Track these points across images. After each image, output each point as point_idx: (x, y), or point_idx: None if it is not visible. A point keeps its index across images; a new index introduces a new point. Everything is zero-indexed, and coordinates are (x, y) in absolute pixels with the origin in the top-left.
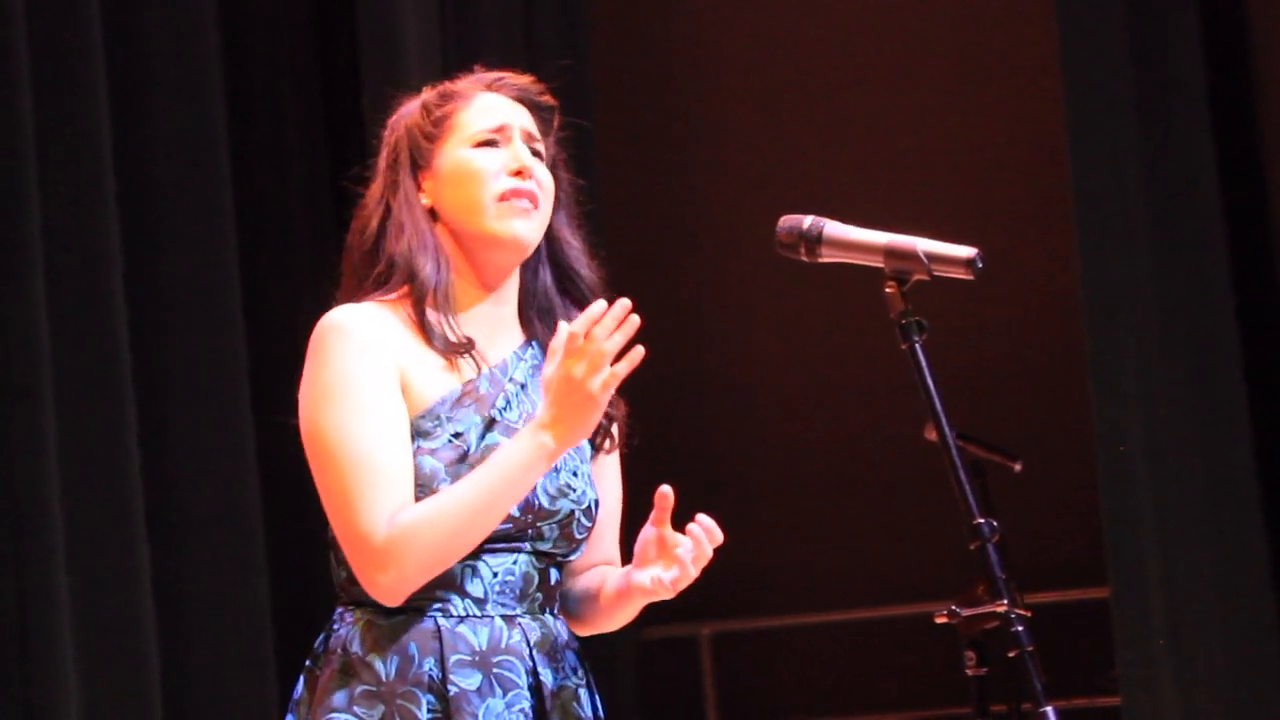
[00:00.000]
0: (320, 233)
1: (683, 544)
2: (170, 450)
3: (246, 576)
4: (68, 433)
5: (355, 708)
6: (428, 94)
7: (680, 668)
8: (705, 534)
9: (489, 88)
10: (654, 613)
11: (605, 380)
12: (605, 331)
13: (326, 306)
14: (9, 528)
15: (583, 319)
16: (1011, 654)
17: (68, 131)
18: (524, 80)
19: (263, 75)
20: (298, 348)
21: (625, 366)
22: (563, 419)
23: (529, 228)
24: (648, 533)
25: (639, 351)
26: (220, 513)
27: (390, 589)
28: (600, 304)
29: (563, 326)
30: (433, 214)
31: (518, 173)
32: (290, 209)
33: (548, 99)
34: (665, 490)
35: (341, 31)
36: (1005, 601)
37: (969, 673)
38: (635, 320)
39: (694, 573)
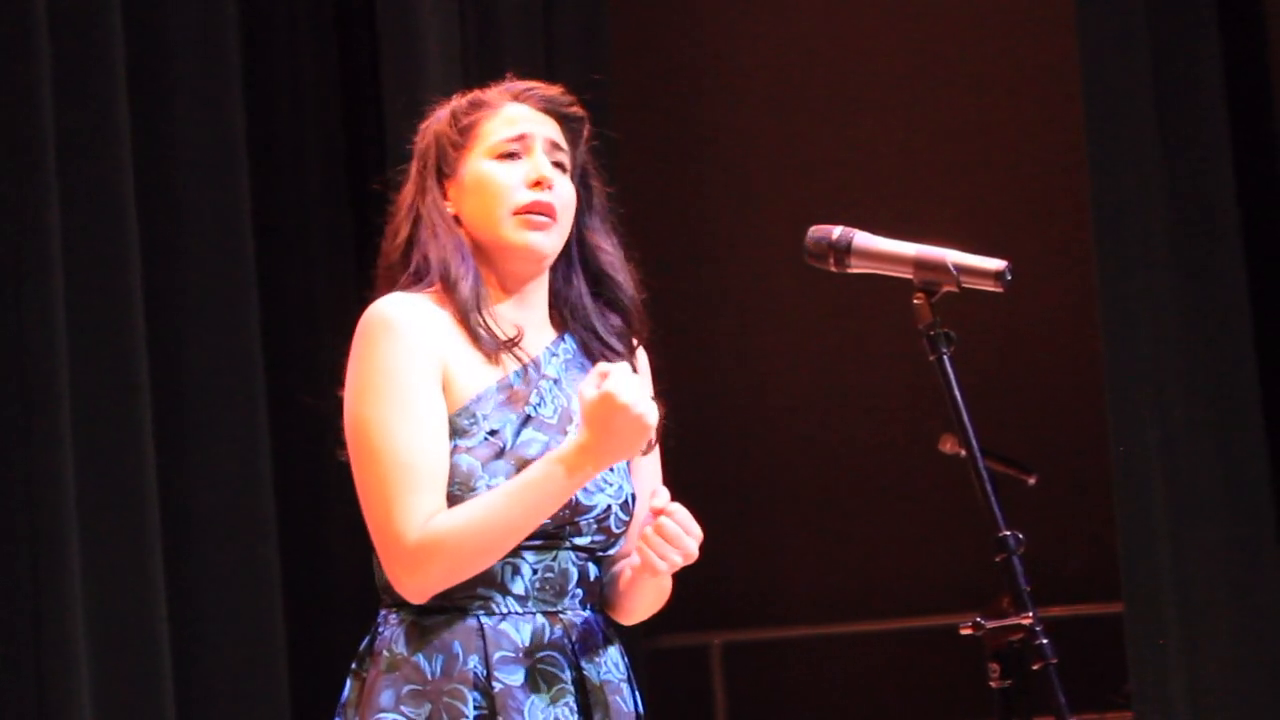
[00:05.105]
0: (339, 238)
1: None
2: (186, 455)
3: (259, 582)
4: (84, 436)
5: (402, 707)
6: (457, 101)
7: (691, 678)
8: (677, 527)
9: (516, 98)
10: (665, 622)
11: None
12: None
13: (343, 313)
14: (26, 531)
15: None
16: (1036, 666)
17: (88, 136)
18: (552, 91)
19: (283, 80)
20: (315, 352)
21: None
22: (610, 449)
23: (545, 239)
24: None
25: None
26: (234, 517)
27: (415, 591)
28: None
29: (600, 365)
30: (457, 221)
31: (536, 183)
32: (309, 215)
33: (576, 110)
34: (661, 498)
35: (361, 36)
36: (1030, 614)
37: (993, 685)
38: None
39: (675, 554)
